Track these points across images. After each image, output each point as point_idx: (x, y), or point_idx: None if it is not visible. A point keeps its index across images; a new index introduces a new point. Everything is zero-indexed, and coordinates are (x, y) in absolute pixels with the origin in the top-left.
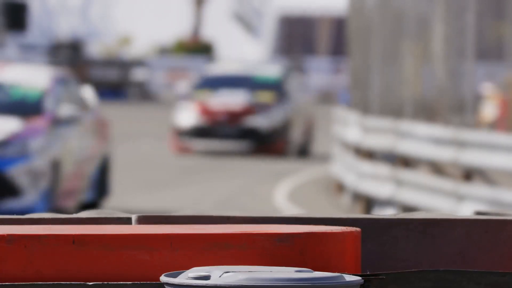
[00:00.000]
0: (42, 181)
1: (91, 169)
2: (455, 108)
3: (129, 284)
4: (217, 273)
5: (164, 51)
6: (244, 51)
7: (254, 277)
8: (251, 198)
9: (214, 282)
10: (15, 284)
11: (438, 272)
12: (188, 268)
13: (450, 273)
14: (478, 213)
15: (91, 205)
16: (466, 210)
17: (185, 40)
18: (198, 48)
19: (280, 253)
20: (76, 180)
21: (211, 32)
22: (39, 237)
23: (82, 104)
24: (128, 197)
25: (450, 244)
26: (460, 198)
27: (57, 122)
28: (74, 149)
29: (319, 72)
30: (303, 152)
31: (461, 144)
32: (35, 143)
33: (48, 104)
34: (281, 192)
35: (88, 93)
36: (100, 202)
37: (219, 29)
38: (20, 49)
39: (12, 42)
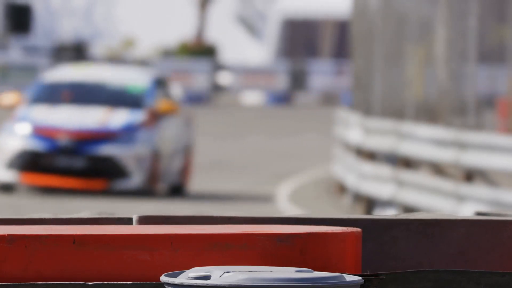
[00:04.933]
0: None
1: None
2: (456, 110)
3: (129, 284)
4: (218, 273)
5: (167, 53)
6: (247, 54)
7: (255, 277)
8: (252, 199)
9: (214, 282)
10: (15, 284)
11: (438, 272)
12: (188, 268)
13: (450, 273)
14: (479, 213)
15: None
16: (466, 211)
17: (189, 42)
18: (202, 50)
19: (280, 253)
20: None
21: (214, 34)
22: (40, 237)
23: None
24: (129, 197)
25: (450, 244)
26: (460, 198)
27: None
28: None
29: (322, 74)
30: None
31: (462, 146)
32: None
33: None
34: (282, 193)
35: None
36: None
37: (223, 32)
38: (23, 51)
39: (15, 44)
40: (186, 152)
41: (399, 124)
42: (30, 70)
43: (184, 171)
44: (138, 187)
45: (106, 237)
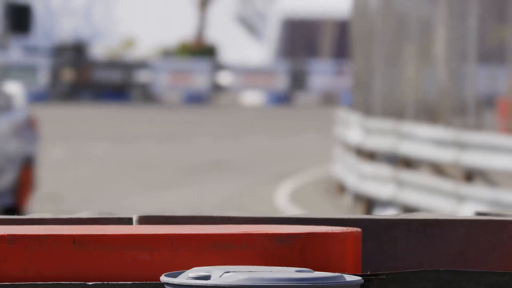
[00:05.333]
0: None
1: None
2: (456, 110)
3: (129, 284)
4: (218, 273)
5: (167, 53)
6: (247, 54)
7: (254, 277)
8: (252, 199)
9: (214, 282)
10: (15, 284)
11: (438, 272)
12: (188, 268)
13: (450, 273)
14: (479, 213)
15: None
16: (466, 211)
17: (189, 42)
18: (202, 50)
19: (280, 253)
20: None
21: (214, 34)
22: (40, 237)
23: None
24: (128, 197)
25: (450, 244)
26: (461, 199)
27: None
28: None
29: (322, 74)
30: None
31: (462, 146)
32: None
33: None
34: (282, 193)
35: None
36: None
37: (223, 32)
38: (23, 51)
39: (15, 44)
40: (22, 165)
41: (399, 124)
42: (30, 70)
43: (20, 189)
44: None
45: (106, 237)
